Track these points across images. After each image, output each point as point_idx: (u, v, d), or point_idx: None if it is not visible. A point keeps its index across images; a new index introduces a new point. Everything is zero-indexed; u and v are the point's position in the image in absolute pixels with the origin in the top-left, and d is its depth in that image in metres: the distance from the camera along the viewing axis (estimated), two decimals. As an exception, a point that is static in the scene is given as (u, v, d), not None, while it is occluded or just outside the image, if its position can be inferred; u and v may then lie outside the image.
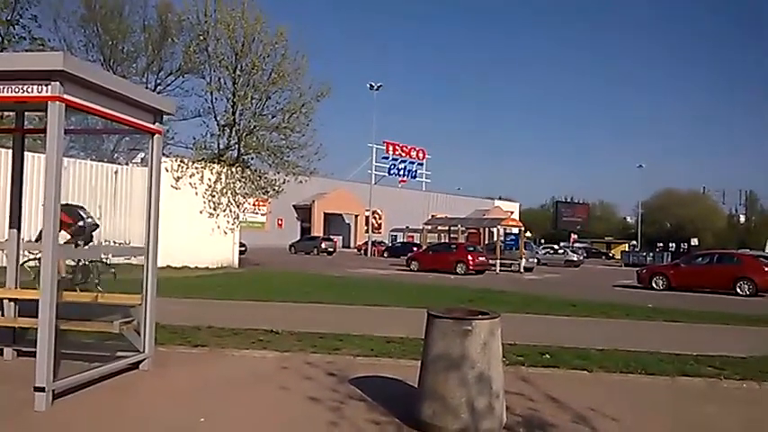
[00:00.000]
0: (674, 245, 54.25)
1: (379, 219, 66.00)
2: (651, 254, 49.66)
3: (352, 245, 62.87)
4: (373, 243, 50.77)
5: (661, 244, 54.76)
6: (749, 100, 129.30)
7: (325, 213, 62.32)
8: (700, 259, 22.71)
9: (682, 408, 5.48)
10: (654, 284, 21.14)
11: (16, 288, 6.12)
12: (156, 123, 5.89)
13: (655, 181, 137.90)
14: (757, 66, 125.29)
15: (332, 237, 53.08)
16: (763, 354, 7.49)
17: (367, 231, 55.09)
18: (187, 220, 20.49)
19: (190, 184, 21.50)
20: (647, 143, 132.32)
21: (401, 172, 68.39)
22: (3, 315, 6.01)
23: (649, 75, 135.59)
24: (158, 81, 33.98)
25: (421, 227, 39.56)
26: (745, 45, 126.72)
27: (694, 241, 55.88)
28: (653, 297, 17.21)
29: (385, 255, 45.94)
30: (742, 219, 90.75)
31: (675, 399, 5.75)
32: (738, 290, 19.49)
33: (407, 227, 52.23)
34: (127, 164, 22.37)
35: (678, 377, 6.40)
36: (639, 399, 5.67)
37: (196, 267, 20.64)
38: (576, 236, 74.64)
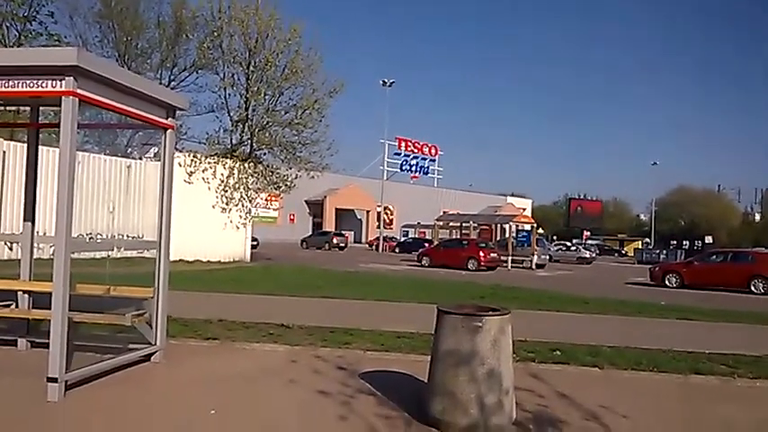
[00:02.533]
0: (687, 243, 53.74)
1: (391, 215, 66.01)
2: (664, 251, 49.25)
3: (363, 240, 62.98)
4: (385, 239, 50.81)
5: (675, 242, 54.29)
6: (766, 97, 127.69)
7: (336, 209, 62.44)
8: (714, 257, 22.54)
9: (694, 406, 5.44)
10: (667, 282, 21.01)
11: (30, 280, 6.19)
12: (169, 118, 5.92)
13: (669, 178, 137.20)
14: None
15: (343, 232, 53.15)
16: (778, 353, 7.41)
17: (378, 227, 55.12)
18: (200, 215, 20.64)
19: (203, 178, 21.62)
20: (662, 140, 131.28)
21: (413, 168, 68.37)
22: (17, 307, 6.08)
23: (664, 71, 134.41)
24: (172, 77, 34.17)
25: (432, 223, 39.50)
26: (763, 41, 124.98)
27: (708, 239, 55.34)
28: (666, 294, 17.10)
29: (396, 250, 45.94)
30: (757, 217, 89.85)
31: (688, 397, 5.71)
32: (753, 288, 19.33)
33: (419, 223, 52.16)
34: (140, 158, 22.54)
35: (691, 375, 6.36)
36: (651, 397, 5.63)
37: (208, 261, 20.78)
38: (588, 233, 74.22)
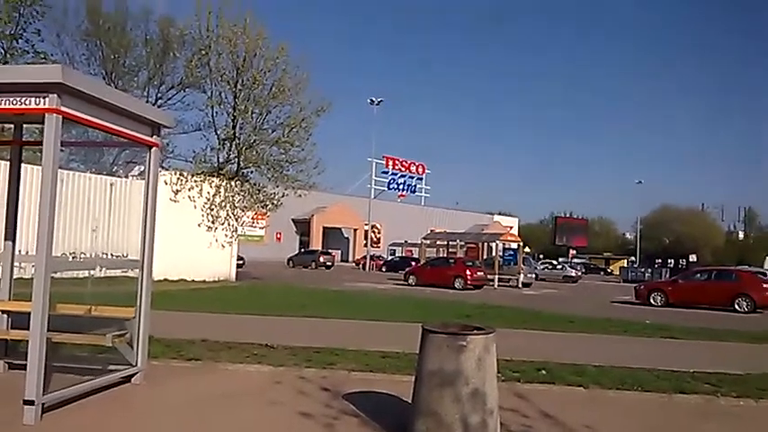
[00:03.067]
0: (672, 261, 54.12)
1: (378, 233, 65.97)
2: (650, 270, 49.52)
3: (350, 259, 62.82)
4: (372, 257, 50.71)
5: (660, 260, 54.63)
6: (748, 116, 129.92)
7: (324, 227, 62.32)
8: (698, 275, 22.68)
9: (677, 425, 5.44)
10: (652, 300, 21.09)
11: (9, 300, 6.09)
12: (155, 136, 5.90)
13: (654, 197, 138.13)
14: (757, 82, 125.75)
15: (330, 251, 52.98)
16: (761, 371, 7.45)
17: (366, 245, 55.05)
18: (185, 234, 20.50)
19: (188, 197, 21.51)
20: (647, 159, 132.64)
21: (400, 186, 68.52)
22: (-5, 327, 5.97)
23: (649, 91, 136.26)
24: (159, 95, 34.16)
25: (419, 241, 39.52)
26: (745, 61, 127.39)
27: (693, 257, 55.75)
28: (651, 313, 17.17)
29: (383, 269, 45.86)
30: (741, 235, 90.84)
31: (671, 416, 5.72)
32: (737, 306, 19.45)
33: (406, 241, 52.14)
34: (125, 176, 22.40)
35: (674, 394, 6.36)
36: (635, 416, 5.63)
37: (193, 280, 20.60)
38: (574, 251, 74.59)
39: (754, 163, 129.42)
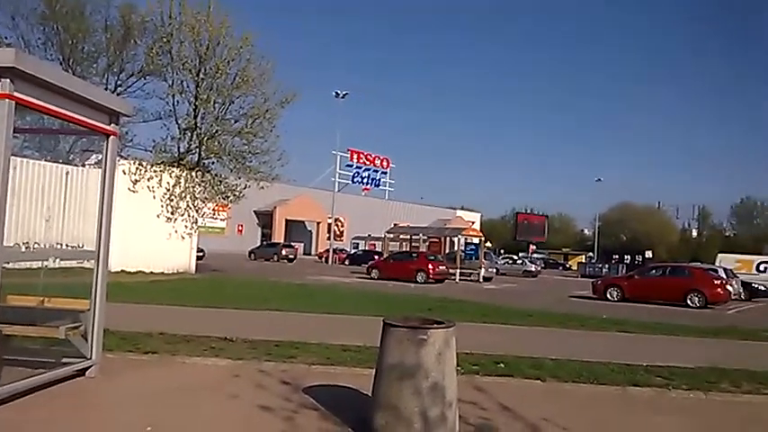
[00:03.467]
0: (629, 257, 55.58)
1: (342, 226, 65.86)
2: (607, 265, 50.72)
3: (313, 252, 62.55)
4: (335, 251, 50.61)
5: (617, 256, 56.08)
6: (706, 117, 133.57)
7: (286, 220, 61.88)
8: (653, 272, 23.28)
9: (632, 417, 5.58)
10: (608, 295, 21.56)
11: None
12: (112, 125, 5.77)
13: (612, 195, 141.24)
14: (716, 82, 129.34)
15: (293, 243, 52.66)
16: (711, 364, 7.69)
17: (329, 239, 54.89)
18: (144, 224, 20.14)
19: (148, 187, 21.10)
20: (607, 157, 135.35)
21: (365, 180, 68.47)
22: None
23: (611, 89, 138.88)
24: (119, 82, 33.24)
25: (383, 235, 39.61)
26: (705, 61, 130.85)
27: (648, 254, 57.36)
28: (607, 308, 17.56)
29: (346, 262, 45.81)
30: (694, 233, 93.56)
31: (625, 408, 5.86)
32: (689, 302, 20.02)
33: (369, 235, 52.22)
34: (83, 165, 21.83)
35: (628, 387, 6.53)
36: (591, 409, 5.76)
37: (151, 272, 20.23)
38: (534, 247, 75.85)
39: (709, 163, 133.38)
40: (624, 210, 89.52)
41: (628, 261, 52.20)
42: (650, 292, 20.98)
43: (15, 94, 4.45)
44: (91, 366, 5.65)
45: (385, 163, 71.08)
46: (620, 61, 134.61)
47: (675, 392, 6.44)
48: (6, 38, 27.99)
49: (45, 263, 7.06)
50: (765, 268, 30.35)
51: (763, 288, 27.04)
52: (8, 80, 4.39)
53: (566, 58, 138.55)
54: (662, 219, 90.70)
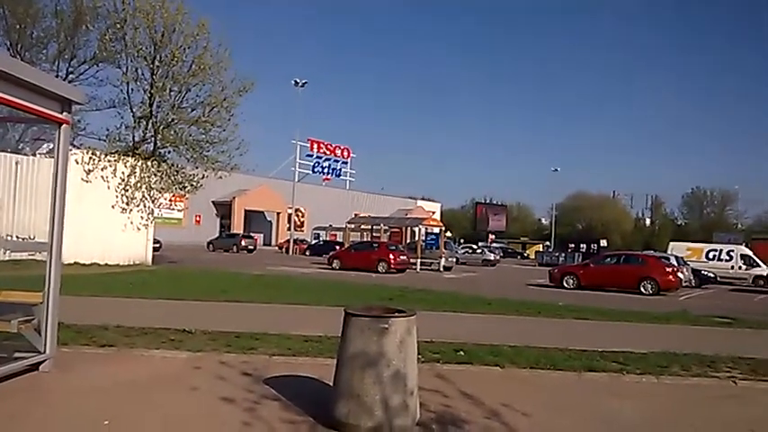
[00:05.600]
0: (584, 246, 56.73)
1: (302, 217, 65.48)
2: (563, 254, 51.68)
3: (273, 243, 62.05)
4: (295, 241, 50.32)
5: (573, 245, 57.11)
6: (660, 106, 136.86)
7: (245, 210, 61.18)
8: (608, 260, 23.85)
9: (588, 402, 5.73)
10: (565, 283, 22.02)
11: None
12: (64, 113, 5.61)
13: (569, 184, 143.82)
14: (670, 69, 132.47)
15: (252, 234, 52.14)
16: (663, 349, 7.96)
17: (289, 229, 54.53)
18: (98, 215, 19.67)
19: (102, 177, 20.60)
20: (563, 147, 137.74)
21: (325, 170, 68.17)
22: None
23: (566, 79, 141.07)
24: (71, 69, 32.08)
25: (344, 225, 39.55)
26: (659, 50, 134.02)
27: (603, 242, 58.59)
28: (564, 295, 17.94)
29: (307, 253, 45.59)
30: (648, 222, 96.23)
31: (582, 393, 6.02)
32: (642, 289, 20.61)
33: (330, 225, 52.01)
34: (33, 154, 21.12)
35: (585, 372, 6.70)
36: (549, 394, 5.89)
37: (106, 264, 19.81)
38: (493, 236, 76.90)
39: (661, 152, 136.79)
40: (580, 199, 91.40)
41: (584, 249, 53.21)
42: (605, 280, 21.50)
43: (-40, 80, 4.29)
44: (45, 360, 5.51)
45: (345, 153, 70.87)
46: (574, 49, 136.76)
47: (629, 377, 6.64)
48: (-52, 21, 26.85)
49: (-6, 255, 6.83)
50: (714, 256, 31.49)
51: (711, 275, 28.09)
52: (-49, 65, 4.22)
53: (522, 47, 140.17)
54: (617, 208, 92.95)
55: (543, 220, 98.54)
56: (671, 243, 33.99)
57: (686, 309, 14.65)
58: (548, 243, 73.89)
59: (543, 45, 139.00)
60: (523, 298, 15.81)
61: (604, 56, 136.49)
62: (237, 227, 57.96)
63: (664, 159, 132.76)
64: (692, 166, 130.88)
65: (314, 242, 51.15)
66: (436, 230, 35.27)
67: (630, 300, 17.61)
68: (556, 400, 5.67)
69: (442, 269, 30.66)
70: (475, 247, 49.53)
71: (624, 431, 5.01)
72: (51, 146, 6.51)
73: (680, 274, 22.05)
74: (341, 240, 42.63)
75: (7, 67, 4.78)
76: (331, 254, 31.43)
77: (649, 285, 20.66)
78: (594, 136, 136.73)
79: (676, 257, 25.88)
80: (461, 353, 7.28)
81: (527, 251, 68.77)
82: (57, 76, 26.32)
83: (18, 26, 30.16)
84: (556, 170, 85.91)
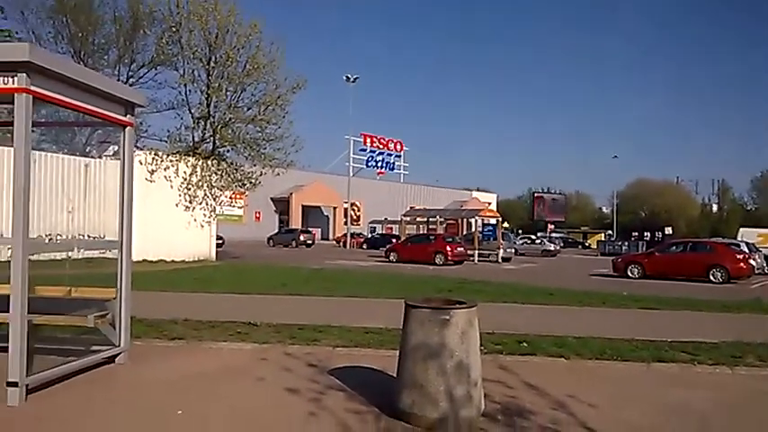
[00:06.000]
0: (648, 234, 55.06)
1: (358, 211, 65.94)
2: (626, 243, 50.31)
3: (330, 237, 62.79)
4: (352, 235, 50.77)
5: (636, 233, 55.56)
6: (723, 90, 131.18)
7: (303, 206, 62.09)
8: (674, 248, 23.07)
9: (656, 393, 5.55)
10: (629, 273, 21.44)
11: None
12: (128, 116, 5.80)
13: (629, 171, 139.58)
14: (730, 56, 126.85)
15: (310, 229, 52.89)
16: (735, 339, 7.63)
17: (346, 223, 55.01)
18: (163, 214, 20.33)
19: (165, 177, 21.28)
20: (623, 134, 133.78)
21: (379, 164, 68.41)
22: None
23: (626, 65, 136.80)
24: (131, 73, 33.32)
25: (399, 218, 39.60)
26: (721, 39, 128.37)
27: (668, 230, 56.79)
28: (628, 285, 17.45)
29: (364, 246, 45.97)
30: (714, 208, 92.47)
31: (651, 384, 5.83)
32: (711, 277, 19.86)
33: (386, 218, 52.28)
34: (100, 157, 22.01)
35: (653, 363, 6.50)
36: (616, 385, 5.74)
37: (172, 261, 20.48)
38: (552, 226, 75.45)
39: (727, 136, 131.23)
40: (642, 186, 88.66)
41: (647, 238, 51.72)
42: (671, 269, 20.82)
43: (32, 88, 4.49)
44: (120, 353, 5.75)
45: (398, 146, 70.92)
46: (640, 38, 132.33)
47: (701, 367, 6.41)
48: (17, 33, 28.15)
49: (69, 253, 7.16)
50: (788, 241, 29.98)
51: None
52: (24, 74, 4.43)
53: (579, 36, 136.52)
54: (681, 194, 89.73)
55: (604, 209, 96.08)
56: (740, 229, 32.60)
57: (759, 297, 14.00)
58: (609, 232, 72.08)
59: (598, 32, 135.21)
60: (586, 288, 15.46)
61: (665, 39, 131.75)
62: (295, 222, 58.94)
63: (729, 143, 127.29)
64: (761, 150, 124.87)
65: (370, 236, 51.48)
66: (493, 221, 34.87)
67: (699, 288, 16.98)
68: (623, 392, 5.52)
69: (500, 260, 30.32)
70: (534, 237, 48.75)
71: (697, 423, 4.81)
72: (116, 148, 6.76)
73: (751, 261, 21.18)
74: (397, 233, 42.73)
75: (77, 75, 4.98)
76: (388, 247, 31.57)
77: (719, 273, 19.89)
78: (655, 121, 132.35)
79: (747, 244, 24.83)
80: (524, 344, 7.18)
81: (588, 241, 67.20)
82: (118, 81, 27.32)
83: (80, 34, 31.44)
84: (615, 157, 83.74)
